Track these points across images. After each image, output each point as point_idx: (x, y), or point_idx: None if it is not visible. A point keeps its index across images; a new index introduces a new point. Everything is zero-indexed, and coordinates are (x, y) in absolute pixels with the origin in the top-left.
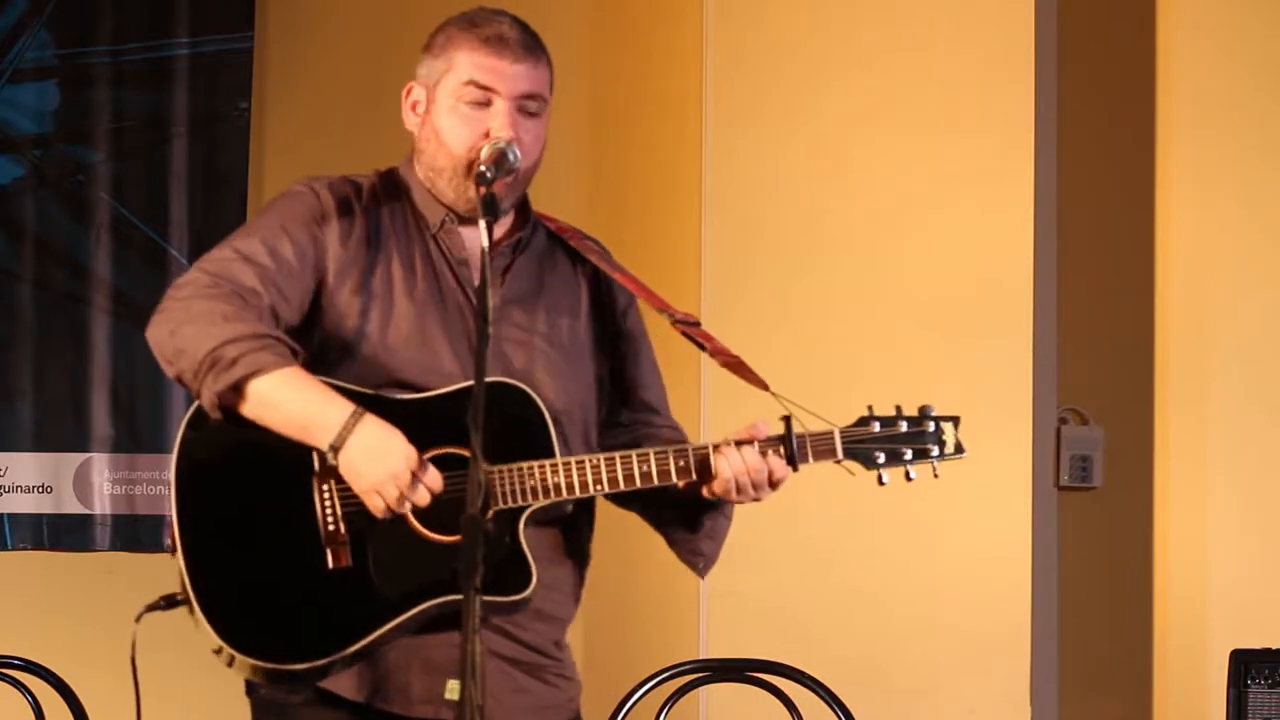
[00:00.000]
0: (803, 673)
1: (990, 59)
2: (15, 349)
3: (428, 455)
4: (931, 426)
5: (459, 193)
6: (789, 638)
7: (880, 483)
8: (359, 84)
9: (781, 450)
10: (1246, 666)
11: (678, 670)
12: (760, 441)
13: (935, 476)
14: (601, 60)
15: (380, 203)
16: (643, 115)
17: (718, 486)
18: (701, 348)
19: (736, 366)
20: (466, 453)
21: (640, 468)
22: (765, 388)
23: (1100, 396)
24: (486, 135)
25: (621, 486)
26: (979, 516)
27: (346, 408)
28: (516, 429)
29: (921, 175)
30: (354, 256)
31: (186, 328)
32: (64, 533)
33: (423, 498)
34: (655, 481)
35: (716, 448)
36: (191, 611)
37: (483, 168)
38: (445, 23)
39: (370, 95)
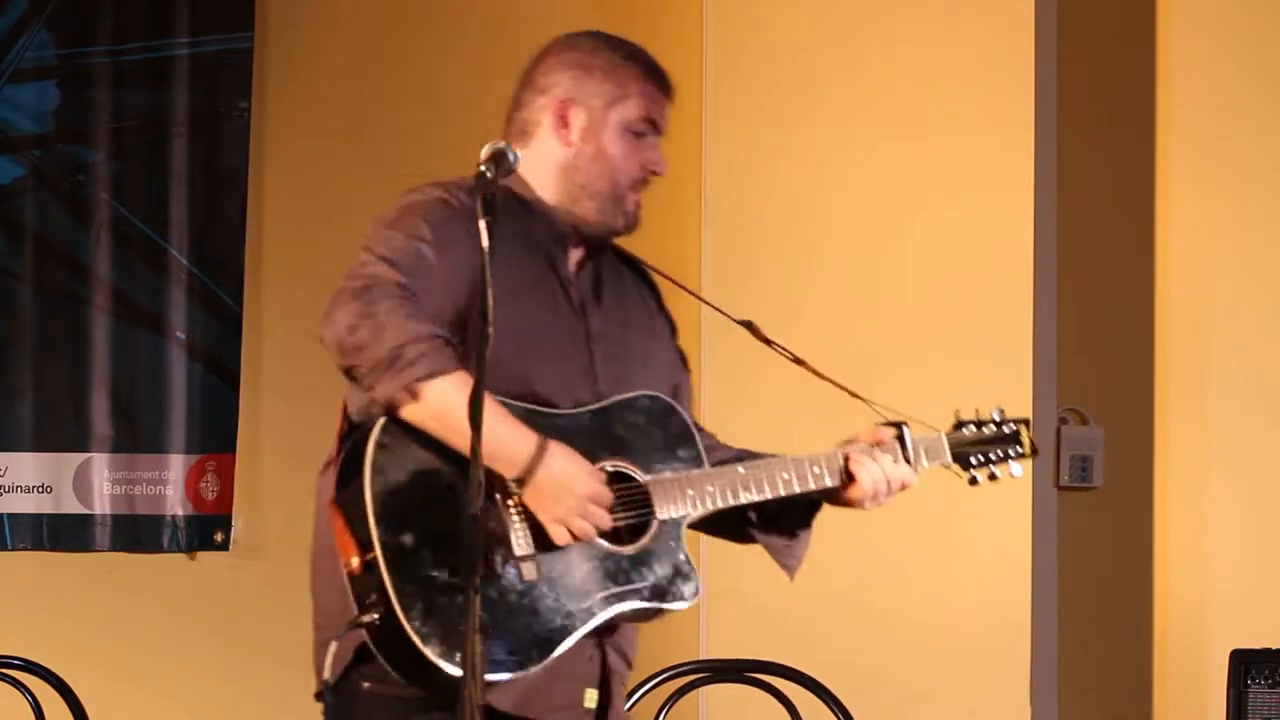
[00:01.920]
0: (802, 674)
1: (990, 59)
2: (15, 349)
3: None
4: (1011, 428)
5: (606, 215)
6: (789, 638)
7: (973, 483)
8: (359, 84)
9: (899, 456)
10: (1246, 666)
11: (678, 670)
12: (881, 446)
13: (993, 479)
14: None
15: (500, 214)
16: None
17: (856, 493)
18: (768, 343)
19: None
20: (626, 466)
21: (782, 475)
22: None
23: (1100, 396)
24: (644, 166)
25: (768, 494)
26: (979, 517)
27: (530, 439)
28: (669, 440)
29: (921, 175)
30: (496, 273)
31: (367, 322)
32: (64, 533)
33: (605, 524)
34: (796, 489)
35: (854, 453)
36: (375, 629)
37: (482, 167)
38: (581, 44)
39: (370, 95)
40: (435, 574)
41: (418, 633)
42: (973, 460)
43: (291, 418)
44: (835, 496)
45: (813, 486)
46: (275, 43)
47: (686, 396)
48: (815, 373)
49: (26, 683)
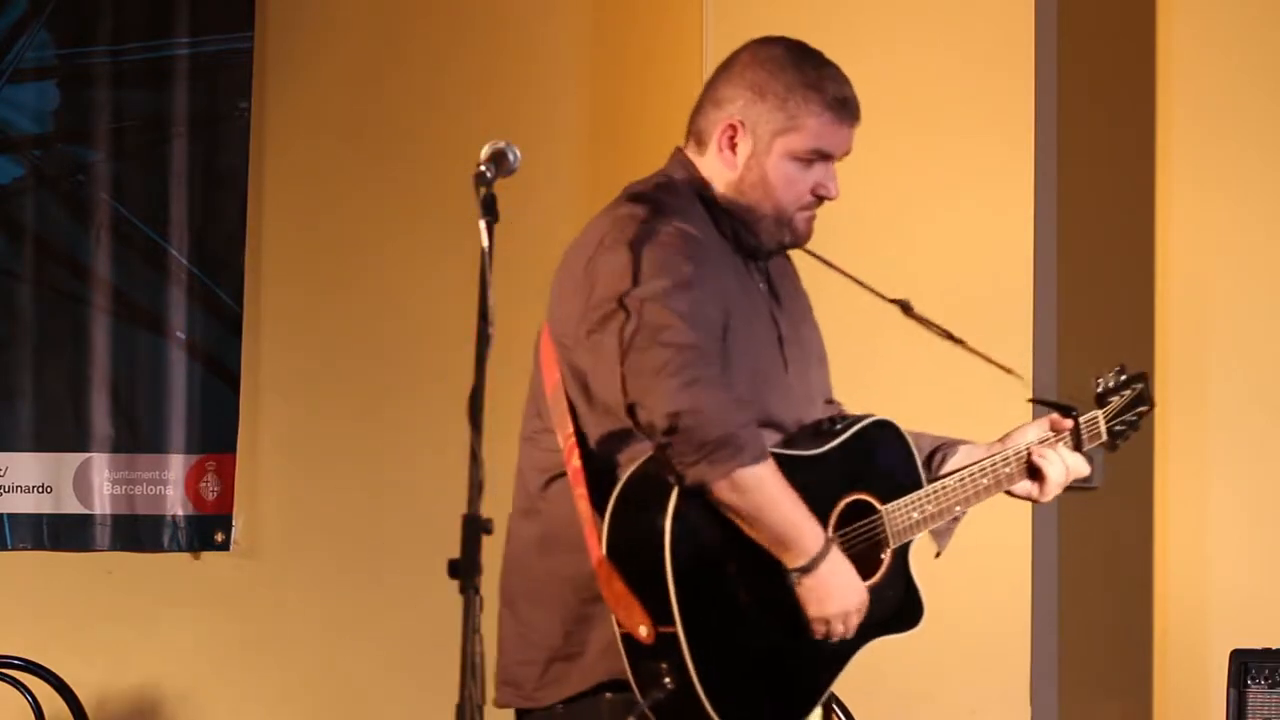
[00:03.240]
0: None
1: (990, 59)
2: (15, 349)
3: (837, 510)
4: (1138, 387)
5: (771, 236)
6: None
7: (1113, 449)
8: (359, 84)
9: (1069, 443)
10: (1246, 666)
11: None
12: (1056, 437)
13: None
14: (602, 60)
15: (723, 235)
16: (643, 116)
17: (1045, 489)
18: (939, 330)
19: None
20: (871, 499)
21: (984, 481)
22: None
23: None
24: (813, 191)
25: (971, 504)
26: (979, 516)
27: (820, 535)
28: (895, 465)
29: (921, 175)
30: (726, 301)
31: (691, 405)
32: (64, 533)
33: (854, 629)
34: (996, 491)
35: (1032, 451)
36: (662, 701)
37: (482, 167)
38: (768, 61)
39: (370, 95)
40: (736, 654)
41: (716, 709)
42: (1119, 429)
43: (291, 418)
44: (1011, 489)
45: (1005, 487)
46: (275, 43)
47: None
48: (973, 350)
49: (26, 683)
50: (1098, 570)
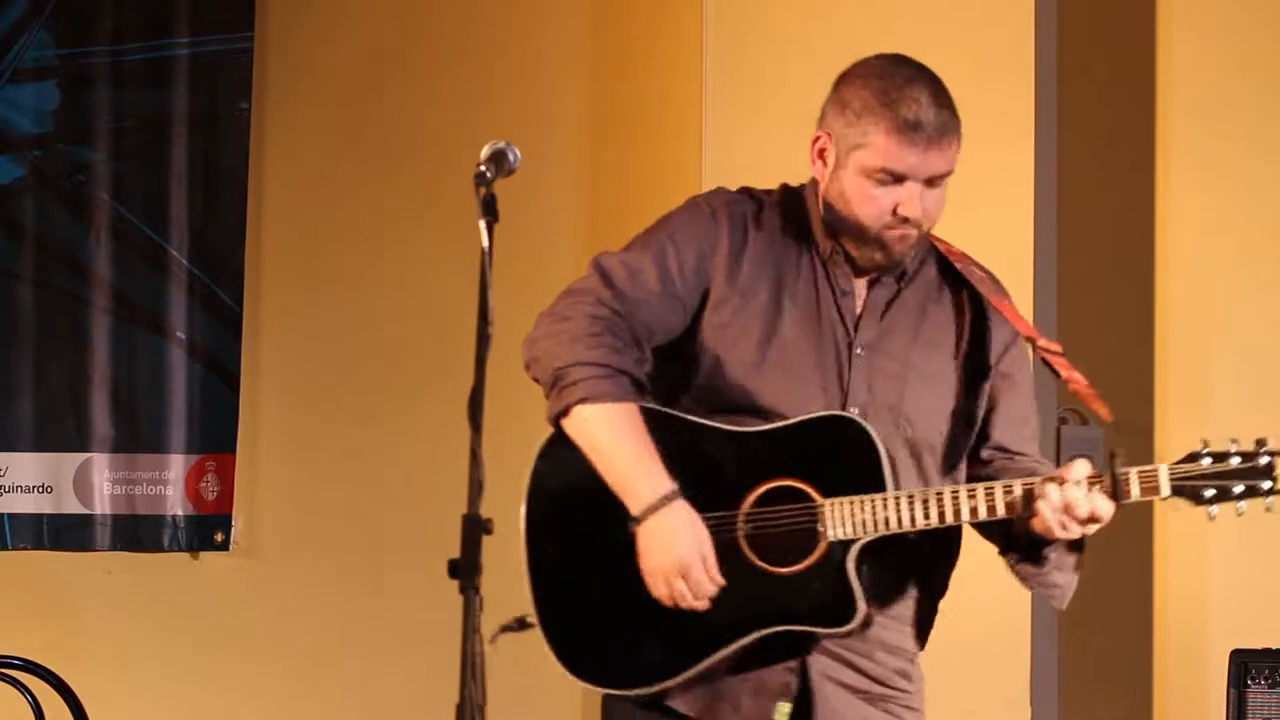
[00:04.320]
0: None
1: (990, 59)
2: (15, 349)
3: (761, 489)
4: (1264, 460)
5: (859, 253)
6: None
7: (1210, 518)
8: (359, 84)
9: (1104, 486)
10: (1246, 666)
11: None
12: (1086, 479)
13: (1240, 514)
14: (602, 61)
15: (780, 223)
16: (643, 116)
17: (1038, 524)
18: (1056, 375)
19: (1086, 395)
20: (800, 485)
21: (968, 503)
22: (1109, 418)
23: (1100, 396)
24: (895, 211)
25: (948, 521)
26: None
27: (661, 487)
28: (851, 462)
29: None
30: (741, 282)
31: (548, 340)
32: (64, 533)
33: (702, 595)
34: (981, 517)
35: (1039, 485)
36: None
37: (482, 167)
38: (861, 75)
39: (370, 95)
40: (572, 586)
41: (552, 641)
42: (1204, 493)
43: (291, 418)
44: (1027, 526)
45: (999, 515)
46: (275, 43)
47: (1010, 413)
48: (1084, 394)
49: (26, 683)
50: (1098, 570)
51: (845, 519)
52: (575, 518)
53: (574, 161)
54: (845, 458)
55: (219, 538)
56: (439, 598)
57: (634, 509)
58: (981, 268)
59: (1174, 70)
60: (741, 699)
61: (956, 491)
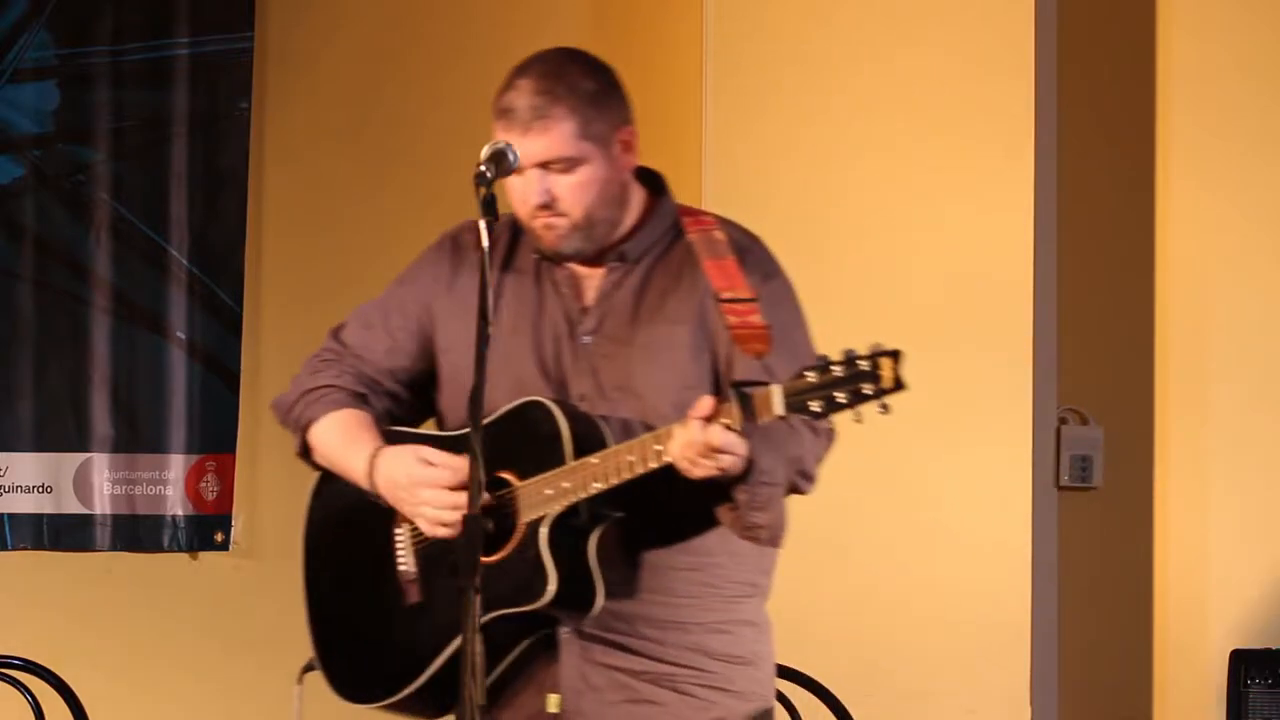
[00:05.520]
0: (802, 673)
1: (990, 59)
2: (15, 349)
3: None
4: (865, 365)
5: (537, 245)
6: (788, 638)
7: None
8: (359, 84)
9: (723, 419)
10: (1246, 666)
11: None
12: (704, 414)
13: (884, 411)
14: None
15: (511, 234)
16: (643, 116)
17: (678, 466)
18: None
19: (744, 336)
20: (504, 474)
21: (628, 458)
22: (766, 352)
23: (1100, 396)
24: (532, 197)
25: (618, 480)
26: (979, 516)
27: (365, 450)
28: (541, 444)
29: (921, 175)
30: (459, 303)
31: (293, 383)
32: (64, 532)
33: (441, 513)
34: (645, 469)
35: (671, 428)
36: None
37: (482, 167)
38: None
39: (370, 95)
40: (337, 603)
41: (323, 666)
42: (813, 406)
43: None
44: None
45: (659, 465)
46: (275, 43)
47: (743, 364)
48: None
49: (26, 683)
50: (1098, 570)
51: (534, 498)
52: (341, 545)
53: None
54: (537, 440)
55: (219, 538)
56: None
57: (364, 484)
58: (732, 229)
59: (1174, 70)
60: (521, 694)
61: (618, 450)
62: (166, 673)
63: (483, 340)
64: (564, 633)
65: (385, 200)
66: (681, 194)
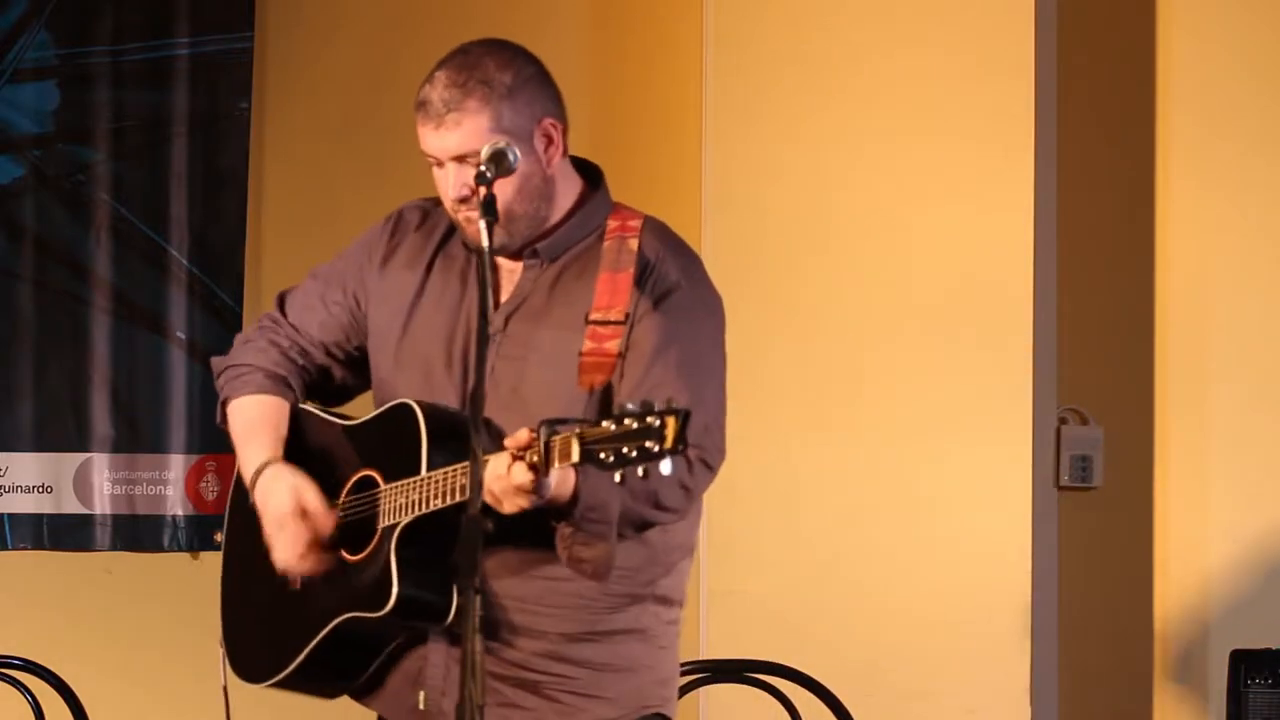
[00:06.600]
0: (802, 673)
1: (990, 59)
2: (15, 349)
3: (353, 480)
4: (655, 422)
5: (461, 234)
6: (789, 638)
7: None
8: (359, 84)
9: (528, 457)
10: (1246, 666)
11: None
12: (511, 452)
13: (644, 476)
14: (601, 61)
15: (447, 221)
16: (643, 116)
17: (487, 499)
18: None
19: (590, 365)
20: (373, 473)
21: (462, 479)
22: (597, 387)
23: (1100, 396)
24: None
25: (454, 501)
26: (979, 516)
27: (256, 457)
28: (406, 448)
29: (922, 175)
30: (387, 285)
31: (232, 347)
32: (64, 533)
33: (290, 557)
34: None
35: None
36: None
37: (482, 167)
38: None
39: (370, 95)
40: (237, 596)
41: (228, 650)
42: (603, 457)
43: None
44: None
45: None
46: (275, 43)
47: (637, 380)
48: None
49: (26, 683)
50: (1098, 570)
51: (391, 503)
52: (245, 533)
53: None
54: (403, 443)
55: (219, 538)
56: None
57: (247, 486)
58: (651, 237)
59: (1174, 70)
60: (399, 691)
61: (458, 470)
62: (166, 673)
63: (483, 340)
64: (434, 631)
65: (385, 200)
66: (681, 194)
